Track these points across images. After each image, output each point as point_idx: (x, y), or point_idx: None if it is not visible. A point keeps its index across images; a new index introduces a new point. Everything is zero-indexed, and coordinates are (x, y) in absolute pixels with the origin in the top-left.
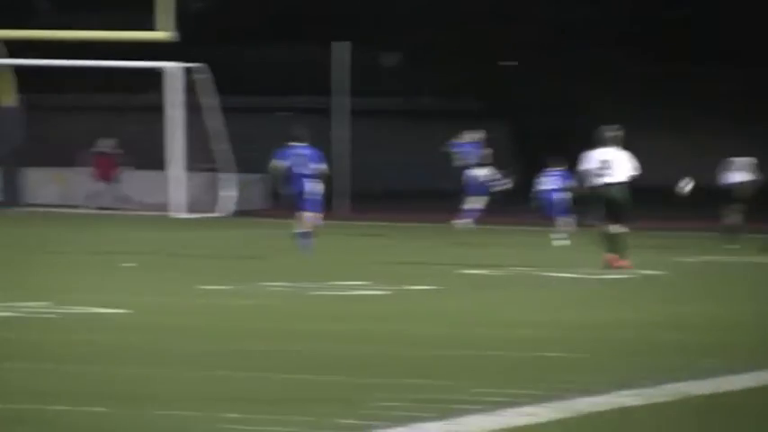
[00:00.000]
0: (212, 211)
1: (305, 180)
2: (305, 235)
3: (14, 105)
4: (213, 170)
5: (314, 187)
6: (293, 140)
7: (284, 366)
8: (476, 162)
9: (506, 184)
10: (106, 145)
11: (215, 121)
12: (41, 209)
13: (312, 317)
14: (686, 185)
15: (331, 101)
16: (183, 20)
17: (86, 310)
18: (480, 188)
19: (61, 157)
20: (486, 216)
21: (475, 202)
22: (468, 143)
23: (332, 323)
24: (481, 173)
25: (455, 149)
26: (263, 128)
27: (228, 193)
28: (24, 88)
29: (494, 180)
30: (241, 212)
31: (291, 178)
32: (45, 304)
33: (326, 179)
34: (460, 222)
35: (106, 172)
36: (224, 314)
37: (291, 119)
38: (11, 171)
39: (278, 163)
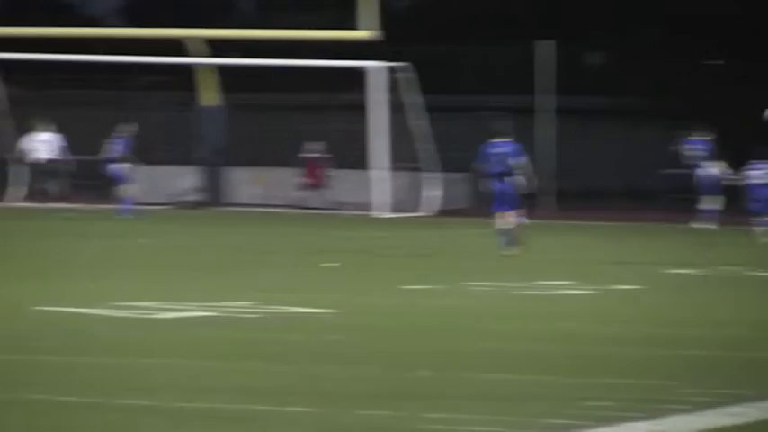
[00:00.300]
0: (416, 211)
1: (504, 177)
2: (505, 233)
3: (217, 105)
4: (417, 169)
5: (513, 184)
6: (496, 136)
7: (488, 366)
8: (707, 159)
9: (738, 180)
10: (314, 149)
11: (419, 121)
12: (243, 209)
13: (515, 316)
14: None
15: (535, 100)
16: (387, 19)
17: (289, 309)
18: (714, 187)
19: (263, 157)
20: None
21: (711, 203)
22: (700, 141)
23: (535, 322)
24: (714, 170)
25: (687, 147)
26: (466, 127)
27: (432, 193)
28: (227, 88)
29: (727, 177)
30: (444, 212)
31: (491, 176)
32: (248, 304)
33: (528, 174)
34: (703, 223)
35: (315, 176)
36: (426, 314)
37: (494, 118)
38: (213, 171)
39: (479, 162)
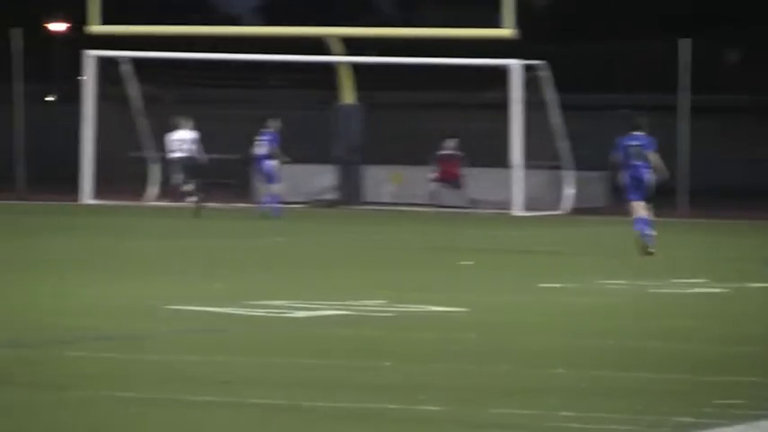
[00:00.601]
0: (553, 209)
1: (637, 169)
2: (642, 222)
3: (354, 103)
4: (554, 167)
5: (647, 175)
6: (633, 129)
7: (620, 363)
8: None
9: None
10: (450, 146)
11: (555, 119)
12: (379, 207)
13: (649, 314)
14: None
15: (677, 98)
16: (523, 16)
17: (422, 308)
18: None
19: (399, 155)
20: None
21: None
22: None
23: (669, 320)
24: None
25: None
26: (602, 125)
27: (568, 191)
28: (363, 86)
29: None
30: (581, 210)
31: (626, 166)
32: (380, 303)
33: (659, 167)
34: None
35: (450, 174)
36: (561, 312)
37: (631, 116)
38: (350, 169)
39: (615, 153)
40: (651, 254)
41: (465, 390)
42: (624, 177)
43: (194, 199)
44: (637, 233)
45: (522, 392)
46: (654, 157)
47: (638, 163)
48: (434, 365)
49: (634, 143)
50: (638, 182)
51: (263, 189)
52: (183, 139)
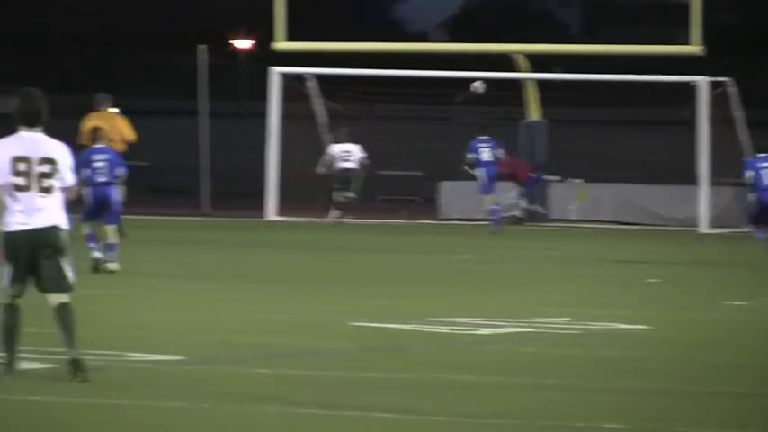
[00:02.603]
0: (739, 226)
1: None
2: None
3: (539, 120)
4: (740, 184)
5: None
6: None
7: None
8: None
9: None
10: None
11: (742, 135)
12: (565, 224)
13: None
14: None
15: None
16: (709, 32)
17: (606, 325)
18: None
19: (584, 172)
20: None
21: None
22: None
23: None
24: None
25: None
26: None
27: None
28: (548, 102)
29: None
30: None
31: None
32: (565, 320)
33: None
34: None
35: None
36: (747, 330)
37: None
38: (537, 185)
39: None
40: None
41: (649, 408)
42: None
43: (338, 213)
44: None
45: (705, 412)
46: None
47: None
48: (618, 383)
49: None
50: None
51: (486, 201)
52: (347, 151)
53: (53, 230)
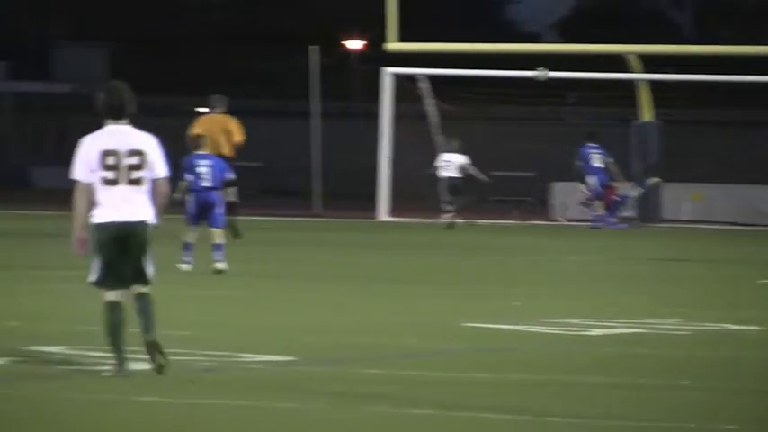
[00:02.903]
0: None
1: None
2: None
3: (652, 120)
4: None
5: None
6: None
7: None
8: None
9: None
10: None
11: None
12: (678, 224)
13: None
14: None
15: None
16: None
17: (719, 326)
18: None
19: (698, 173)
20: None
21: None
22: None
23: None
24: None
25: None
26: None
27: None
28: (661, 103)
29: None
30: None
31: None
32: (677, 321)
33: None
34: None
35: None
36: None
37: None
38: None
39: None
40: None
41: (764, 409)
42: None
43: (451, 214)
44: None
45: None
46: None
47: None
48: (730, 384)
49: None
50: None
51: (598, 206)
52: (449, 161)
53: (140, 224)
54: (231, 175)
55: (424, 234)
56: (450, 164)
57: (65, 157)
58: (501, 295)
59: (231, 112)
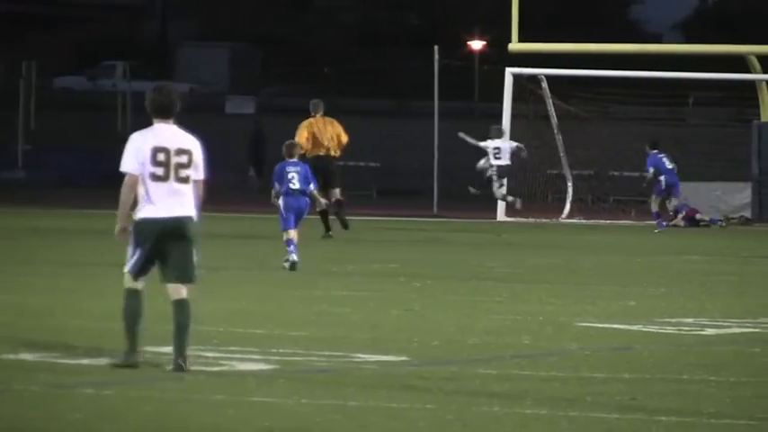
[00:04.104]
0: None
1: None
2: None
3: None
4: None
5: None
6: None
7: None
8: None
9: None
10: None
11: None
12: None
13: None
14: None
15: None
16: None
17: None
18: None
19: None
20: None
21: None
22: None
23: None
24: None
25: None
26: None
27: None
28: None
29: None
30: None
31: None
32: None
33: None
34: None
35: None
36: None
37: None
38: (765, 187)
39: None
40: None
41: None
42: None
43: (512, 200)
44: None
45: None
46: None
47: None
48: None
49: None
50: None
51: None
52: (499, 147)
53: (186, 220)
54: (314, 185)
55: (540, 233)
56: (499, 152)
57: None
58: (615, 295)
59: (353, 112)
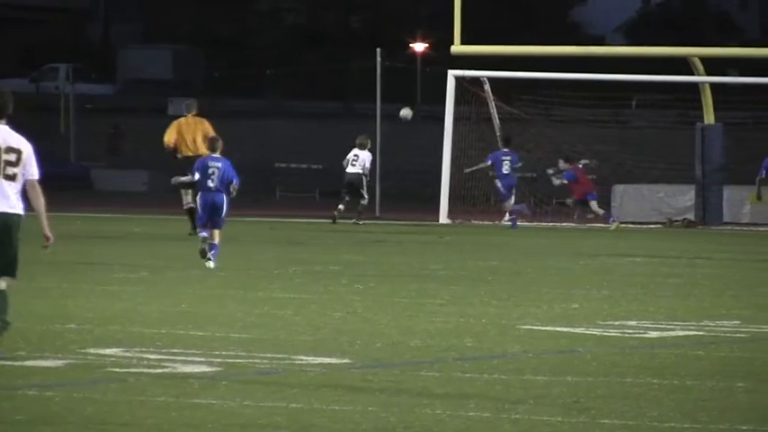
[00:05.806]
0: None
1: None
2: None
3: (714, 123)
4: None
5: None
6: None
7: None
8: None
9: None
10: None
11: None
12: (739, 227)
13: None
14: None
15: None
16: None
17: None
18: None
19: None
20: None
21: None
22: None
23: None
24: None
25: None
26: None
27: None
28: (723, 106)
29: None
30: None
31: None
32: (735, 323)
33: None
34: None
35: None
36: None
37: None
38: (710, 189)
39: None
40: None
41: None
42: None
43: (340, 209)
44: None
45: None
46: None
47: None
48: None
49: None
50: None
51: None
52: (356, 155)
53: (13, 217)
54: (236, 182)
55: (482, 236)
56: (357, 159)
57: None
58: (559, 298)
59: (297, 114)
